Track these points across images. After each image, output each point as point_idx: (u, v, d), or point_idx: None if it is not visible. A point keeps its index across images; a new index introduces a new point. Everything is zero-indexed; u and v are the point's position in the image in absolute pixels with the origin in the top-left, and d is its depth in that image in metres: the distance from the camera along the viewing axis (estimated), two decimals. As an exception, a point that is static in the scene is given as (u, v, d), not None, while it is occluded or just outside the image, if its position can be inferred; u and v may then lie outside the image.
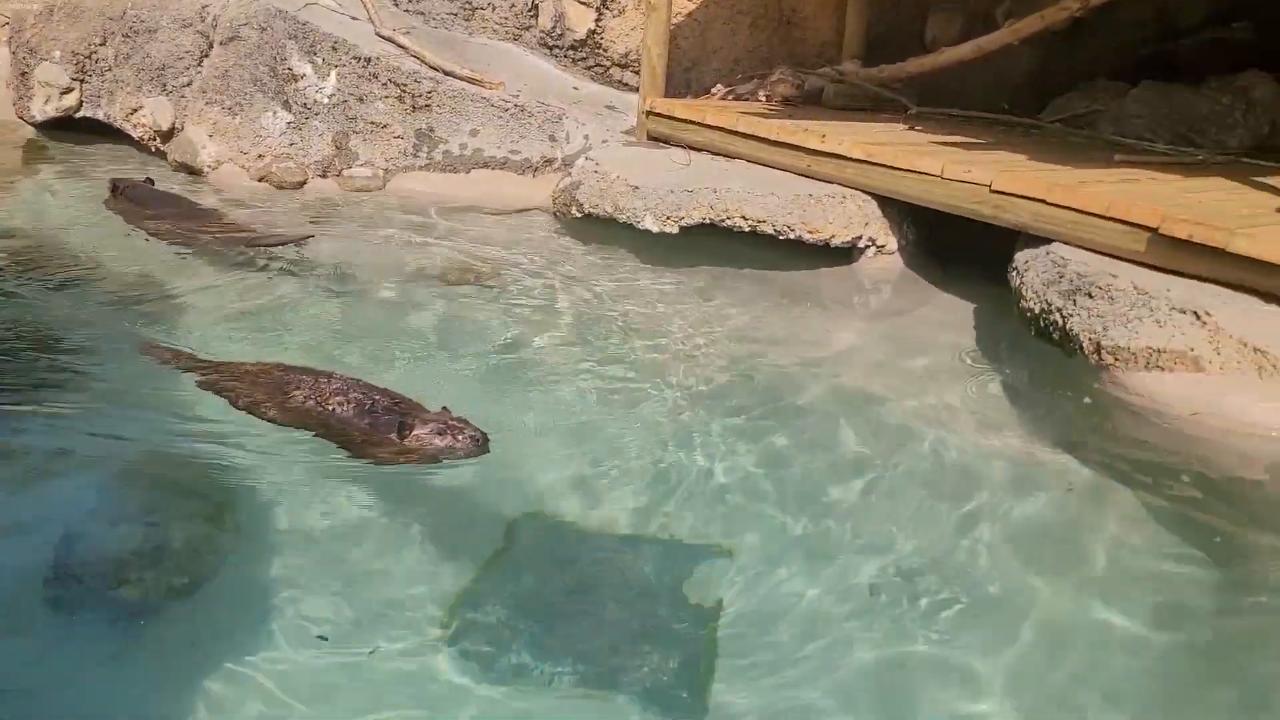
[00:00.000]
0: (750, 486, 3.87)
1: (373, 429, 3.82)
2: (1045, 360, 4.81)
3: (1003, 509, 3.84)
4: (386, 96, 7.38)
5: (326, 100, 7.30)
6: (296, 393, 4.01)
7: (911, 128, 6.77)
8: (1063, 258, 4.84)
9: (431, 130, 7.41)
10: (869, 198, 5.92)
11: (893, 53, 7.80)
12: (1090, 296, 4.54)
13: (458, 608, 3.12)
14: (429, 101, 7.43)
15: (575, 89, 8.41)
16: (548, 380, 4.71)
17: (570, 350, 5.09)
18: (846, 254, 6.06)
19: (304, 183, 7.18)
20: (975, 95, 7.82)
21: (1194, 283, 4.48)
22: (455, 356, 4.90)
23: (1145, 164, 5.84)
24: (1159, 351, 4.23)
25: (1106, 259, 4.76)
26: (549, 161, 7.45)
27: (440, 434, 3.73)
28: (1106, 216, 4.80)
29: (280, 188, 7.12)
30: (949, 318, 5.58)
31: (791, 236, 5.84)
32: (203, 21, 7.51)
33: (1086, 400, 4.45)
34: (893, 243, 5.98)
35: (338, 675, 2.81)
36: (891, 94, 7.55)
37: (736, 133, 6.59)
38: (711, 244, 6.16)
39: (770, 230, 5.84)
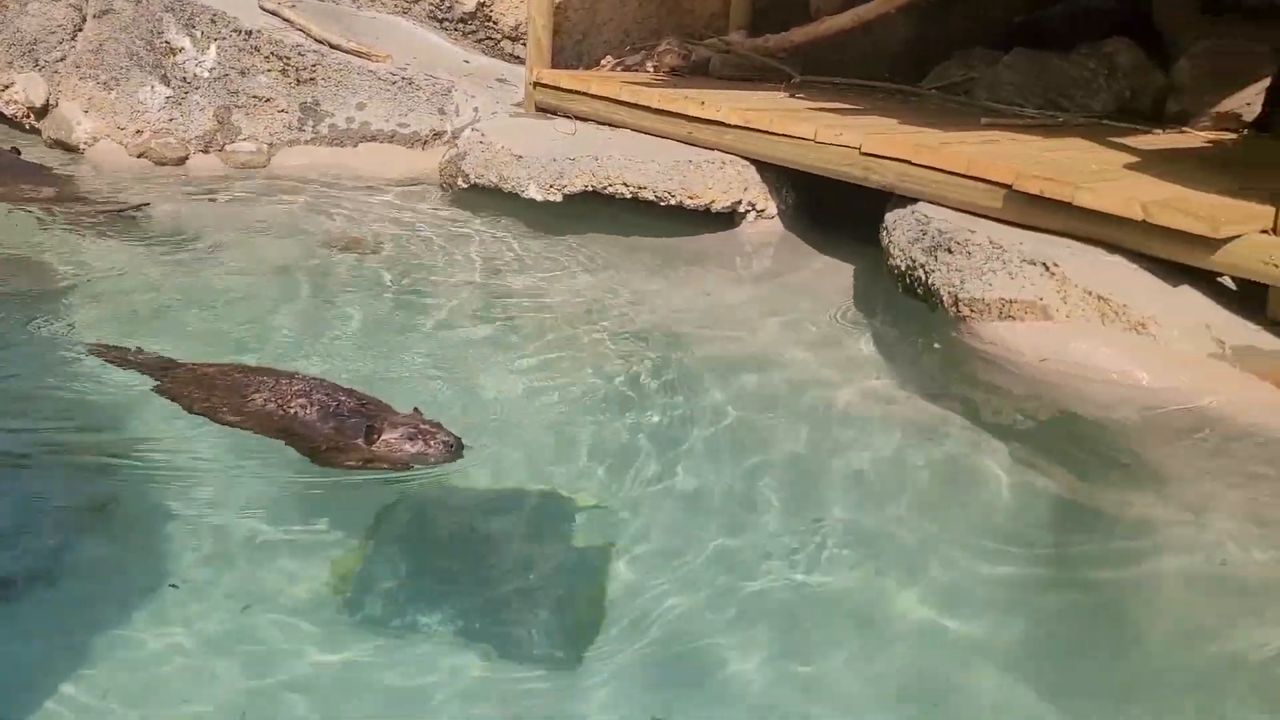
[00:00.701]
0: (634, 446, 3.95)
1: (338, 433, 3.56)
2: (913, 315, 4.99)
3: (871, 456, 4.00)
4: (269, 70, 7.27)
5: (207, 74, 7.18)
6: (256, 395, 3.75)
7: (793, 95, 6.91)
8: (926, 216, 5.01)
9: (317, 104, 7.33)
10: (748, 163, 6.04)
11: (778, 23, 7.93)
12: (950, 252, 4.72)
13: (346, 570, 3.15)
14: (314, 75, 7.34)
15: (466, 62, 8.37)
16: (436, 348, 4.75)
17: (456, 319, 5.12)
18: (729, 219, 6.17)
19: (185, 158, 7.06)
20: (857, 64, 7.99)
21: (1046, 236, 4.69)
22: (340, 327, 4.90)
23: (1010, 126, 6.06)
24: (1011, 302, 4.42)
25: (967, 216, 4.94)
26: (438, 134, 7.43)
27: (411, 439, 3.49)
28: (966, 175, 4.98)
29: (161, 164, 6.99)
30: (827, 278, 5.74)
31: (673, 202, 5.94)
32: (74, -6, 7.32)
33: (948, 351, 4.64)
34: (772, 207, 6.11)
35: (215, 639, 2.81)
36: (776, 63, 7.68)
37: (620, 102, 6.65)
38: (597, 211, 6.23)
39: (651, 196, 5.93)
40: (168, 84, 7.13)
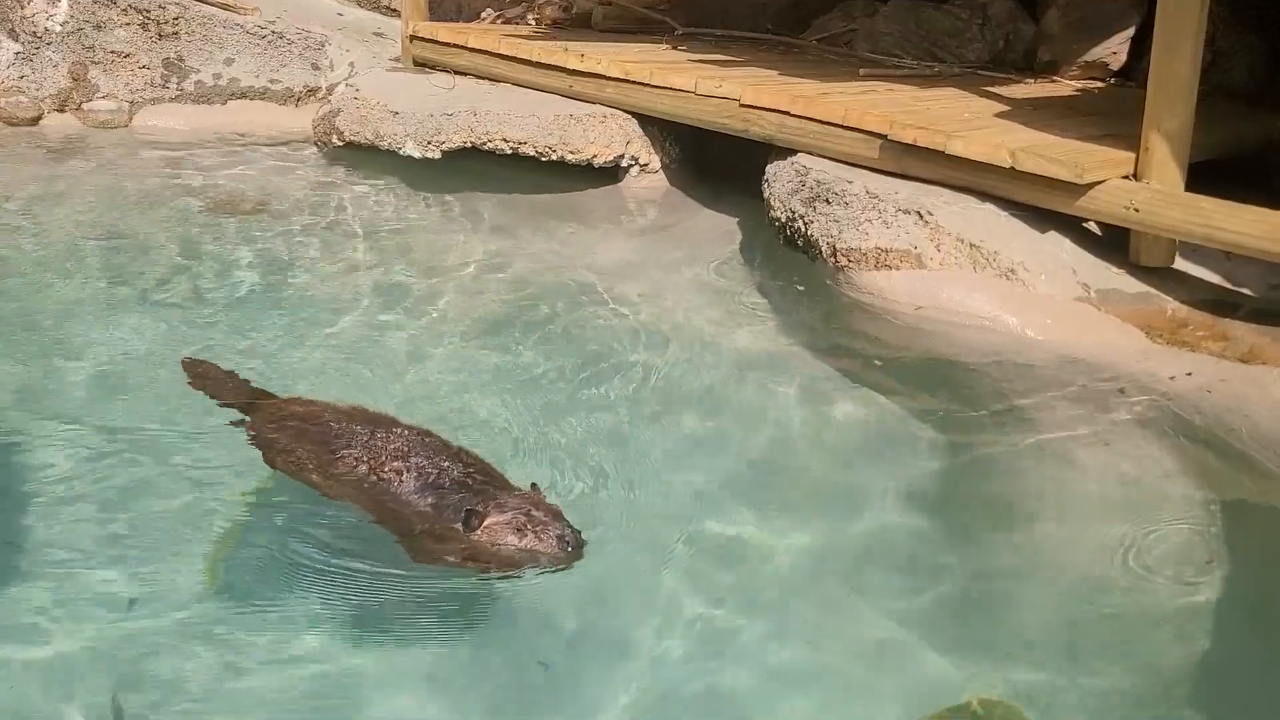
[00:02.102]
0: (522, 402, 3.91)
1: (435, 513, 2.91)
2: (794, 266, 5.01)
3: (750, 404, 4.05)
4: (128, 24, 6.90)
5: (59, 28, 6.78)
6: (347, 452, 3.08)
7: (674, 47, 6.84)
8: (805, 167, 5.02)
9: (181, 59, 7.00)
10: (629, 116, 5.97)
11: (661, -26, 7.83)
12: (828, 203, 4.74)
13: (220, 552, 3.04)
14: (176, 29, 7.00)
15: (340, 15, 8.11)
16: (318, 314, 4.60)
17: (337, 282, 4.97)
18: (612, 174, 6.10)
19: (39, 118, 6.68)
20: (740, 16, 7.93)
21: (921, 185, 4.74)
22: (216, 293, 4.72)
23: (887, 77, 6.10)
24: (886, 251, 4.47)
25: (844, 166, 4.96)
26: (312, 90, 7.18)
27: (518, 530, 2.81)
28: (843, 126, 5.00)
29: (12, 124, 6.60)
30: (711, 231, 5.73)
31: (554, 158, 5.84)
32: (-92, -58, 6.82)
33: (828, 301, 4.68)
34: (656, 160, 6.07)
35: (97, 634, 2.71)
36: (658, 15, 7.60)
37: (499, 55, 6.50)
38: (479, 168, 6.10)
39: (532, 152, 5.82)
40: (16, 39, 6.72)
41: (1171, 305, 4.31)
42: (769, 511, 3.33)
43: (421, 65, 7.05)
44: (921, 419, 3.94)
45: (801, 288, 4.89)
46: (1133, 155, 4.34)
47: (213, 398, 3.58)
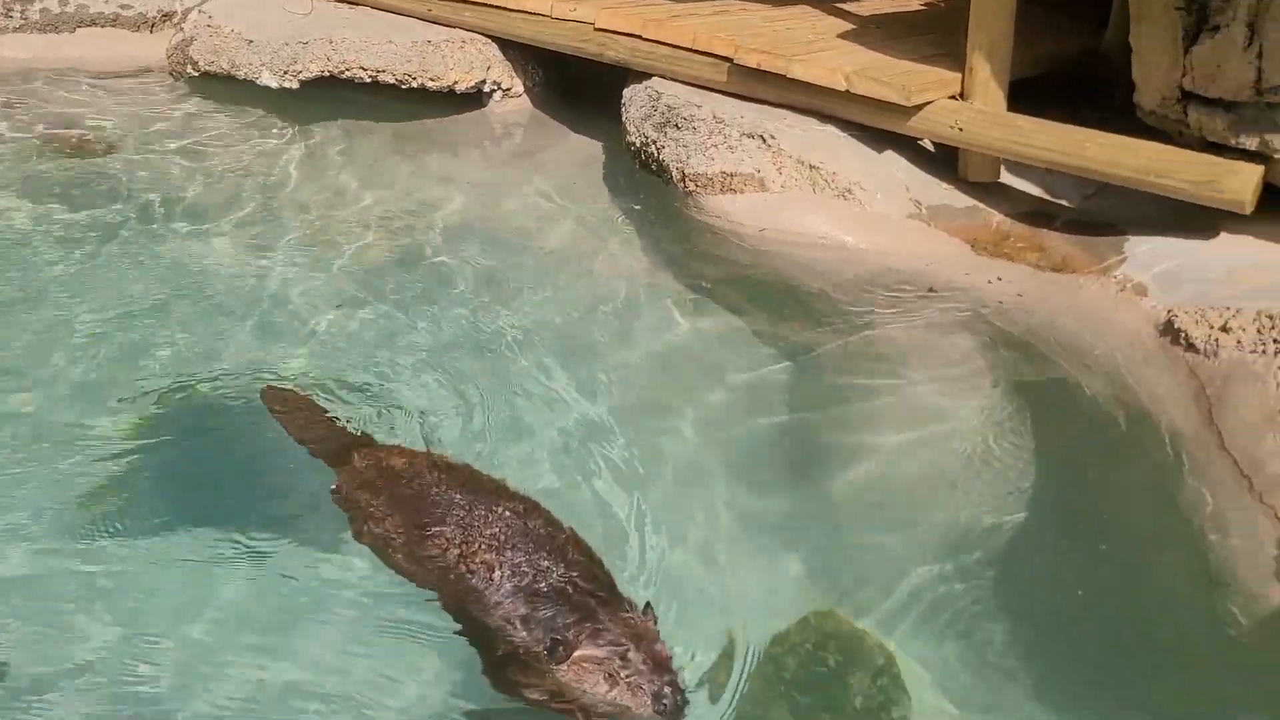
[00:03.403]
0: (388, 329, 4.12)
1: (525, 628, 2.45)
2: (650, 190, 5.16)
3: (606, 322, 4.28)
4: (-38, -51, 6.59)
5: (-114, -44, 6.45)
6: (439, 530, 2.66)
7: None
8: (657, 92, 5.12)
9: (23, -14, 6.72)
10: (490, 41, 5.97)
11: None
12: (678, 128, 4.87)
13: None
14: (16, -46, 6.70)
15: (194, -67, 7.80)
16: (178, 256, 4.62)
17: (198, 223, 4.96)
18: (477, 99, 6.12)
19: None
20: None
21: (767, 109, 4.89)
22: (67, 245, 4.66)
23: (745, -6, 6.17)
24: (731, 175, 4.64)
25: (695, 90, 5.08)
26: (167, 15, 6.94)
27: (611, 678, 2.33)
28: (693, 50, 5.10)
29: None
30: (574, 155, 5.82)
31: (415, 85, 5.83)
32: None
33: (679, 225, 4.85)
34: (519, 84, 6.09)
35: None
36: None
37: (358, -22, 6.40)
38: (344, 95, 6.06)
39: (392, 80, 5.80)
40: None
41: (996, 219, 4.57)
42: (625, 414, 3.62)
43: (279, -13, 6.88)
44: (762, 333, 4.21)
45: (656, 211, 5.05)
46: (959, 76, 4.54)
47: (300, 442, 3.19)
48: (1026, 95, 4.68)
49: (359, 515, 2.82)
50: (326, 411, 3.35)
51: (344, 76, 5.83)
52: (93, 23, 6.85)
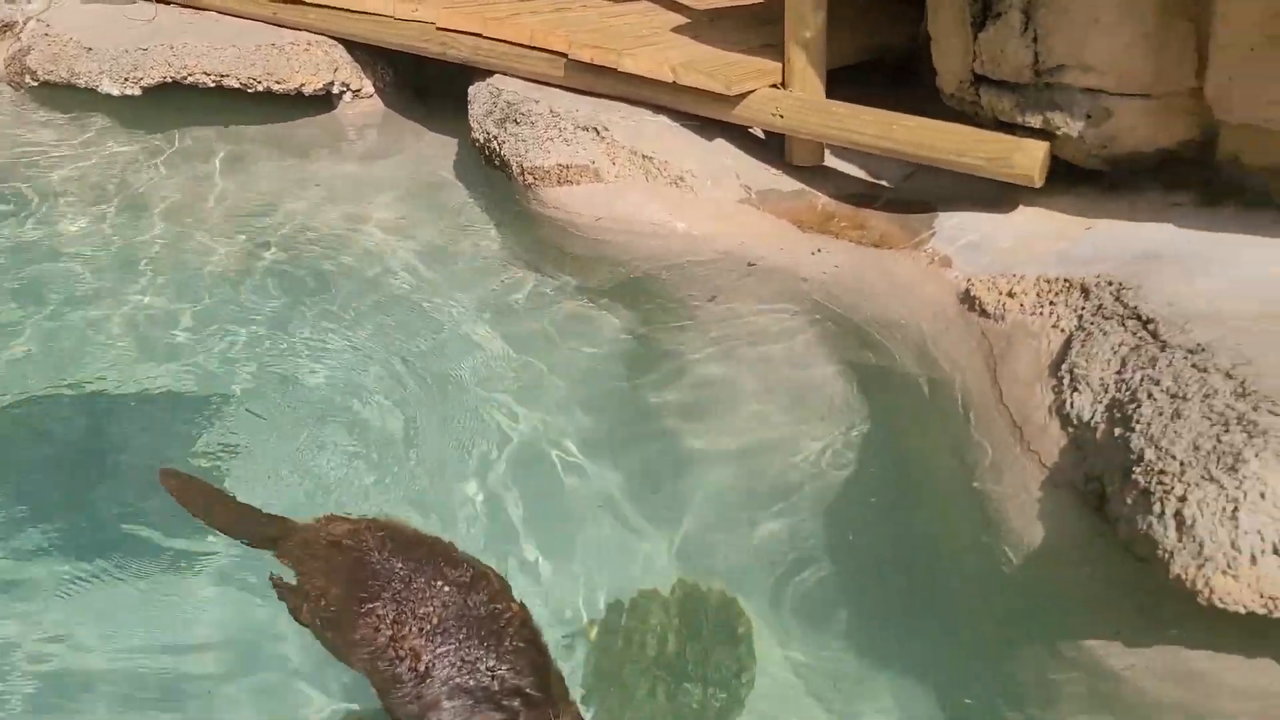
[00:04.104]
0: (253, 341, 4.24)
1: None
2: (494, 185, 5.27)
3: (454, 319, 4.43)
4: None
5: None
6: (373, 607, 2.43)
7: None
8: (498, 89, 5.24)
9: None
10: (336, 42, 6.01)
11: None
12: (516, 123, 4.99)
13: None
14: None
15: (36, -59, 7.65)
16: (28, 271, 4.59)
17: (46, 234, 4.93)
18: (327, 101, 6.15)
19: None
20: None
21: (603, 102, 5.04)
22: None
23: (587, -9, 6.31)
24: (567, 167, 4.77)
25: (532, 86, 5.21)
26: (8, 26, 6.81)
27: None
28: (530, 46, 5.22)
29: None
30: (423, 154, 5.91)
31: (260, 89, 5.85)
32: None
33: (521, 218, 4.98)
34: (368, 85, 6.14)
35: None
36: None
37: (200, -17, 6.37)
38: (191, 101, 6.03)
39: (236, 84, 5.81)
40: None
41: (821, 200, 4.79)
42: (470, 402, 3.81)
43: (124, -5, 6.81)
44: (596, 317, 4.38)
45: (499, 205, 5.18)
46: (780, 65, 4.75)
47: (223, 531, 3.06)
48: (854, 80, 4.91)
49: (297, 588, 2.64)
50: (232, 496, 3.19)
51: (188, 82, 5.81)
52: (-73, 35, 6.70)
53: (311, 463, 3.54)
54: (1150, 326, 3.00)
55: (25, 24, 6.57)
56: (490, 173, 5.32)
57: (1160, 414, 2.60)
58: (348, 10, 5.84)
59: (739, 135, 5.02)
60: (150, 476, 3.25)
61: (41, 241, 4.89)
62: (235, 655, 2.87)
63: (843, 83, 4.88)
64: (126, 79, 5.77)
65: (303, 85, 5.90)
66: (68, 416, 3.82)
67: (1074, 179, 4.19)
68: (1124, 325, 3.08)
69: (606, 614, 3.03)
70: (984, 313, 3.74)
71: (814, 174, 4.90)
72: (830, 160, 4.98)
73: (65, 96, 6.12)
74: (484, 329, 4.38)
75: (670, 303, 4.41)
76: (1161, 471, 2.46)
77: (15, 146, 5.78)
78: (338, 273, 4.72)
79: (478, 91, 5.36)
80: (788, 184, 4.87)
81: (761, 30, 5.33)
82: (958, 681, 2.80)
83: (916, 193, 4.75)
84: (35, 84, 6.09)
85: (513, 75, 5.36)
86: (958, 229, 4.35)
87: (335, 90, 6.05)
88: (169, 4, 6.58)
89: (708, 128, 4.97)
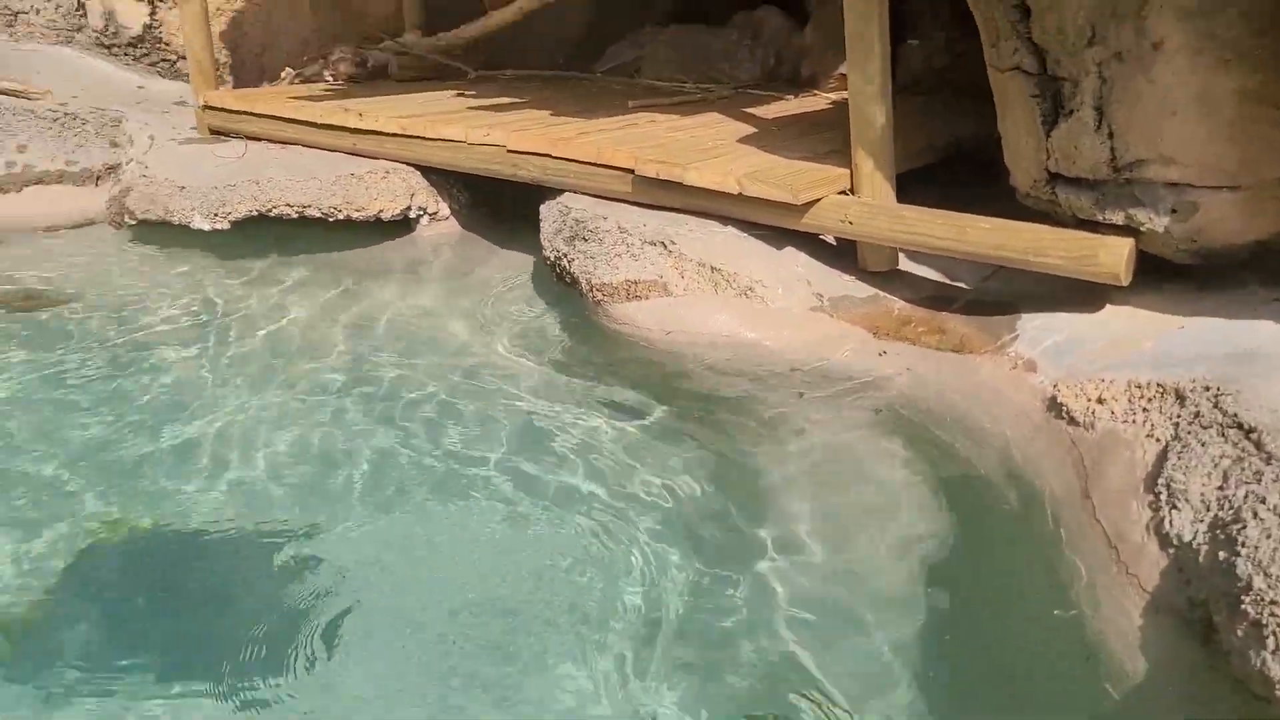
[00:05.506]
0: (344, 456, 4.17)
1: None
2: (566, 302, 5.28)
3: (532, 435, 4.32)
4: (-90, 121, 6.87)
5: None
6: None
7: (461, 94, 7.06)
8: (567, 206, 5.29)
9: (-29, 151, 6.98)
10: (412, 169, 6.18)
11: (456, 21, 8.05)
12: (585, 240, 5.01)
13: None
14: (-38, 121, 6.98)
15: (140, 88, 8.15)
16: (128, 396, 4.70)
17: (145, 364, 5.07)
18: (405, 224, 6.30)
19: None
20: (540, 53, 8.22)
21: (668, 215, 5.04)
22: (41, 390, 4.75)
23: (656, 107, 6.40)
24: (635, 283, 4.75)
25: (601, 202, 5.24)
26: (113, 168, 7.18)
27: None
28: (597, 164, 5.28)
29: None
30: (499, 273, 5.97)
31: (341, 217, 6.02)
32: None
33: (592, 334, 4.96)
34: (444, 208, 6.28)
35: None
36: (451, 61, 7.81)
37: (285, 119, 6.65)
38: (276, 231, 6.24)
39: (318, 214, 5.99)
40: None
41: (897, 305, 4.66)
42: (538, 526, 3.68)
43: (218, 133, 7.15)
44: (670, 430, 4.26)
45: (571, 322, 5.17)
46: (848, 171, 4.69)
47: None
48: (927, 178, 4.82)
49: None
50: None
51: (272, 214, 6.02)
52: (39, 180, 7.08)
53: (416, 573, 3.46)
54: (1253, 436, 2.78)
55: (126, 165, 6.93)
56: (562, 289, 5.34)
57: (1268, 536, 2.38)
58: (424, 138, 6.01)
59: (809, 242, 4.95)
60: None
61: (135, 370, 5.03)
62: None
63: (915, 181, 4.79)
64: (216, 214, 6.00)
65: (381, 211, 6.06)
66: (159, 552, 3.81)
67: (1163, 275, 4.00)
68: (1224, 435, 2.86)
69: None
70: (1072, 420, 3.54)
71: (888, 278, 4.79)
72: (905, 263, 4.87)
73: (160, 232, 6.38)
74: (559, 446, 4.30)
75: (744, 415, 4.30)
76: (1273, 602, 2.22)
77: (115, 281, 6.01)
78: (418, 394, 4.70)
79: (548, 210, 5.42)
80: (861, 289, 4.76)
81: (827, 136, 5.31)
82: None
83: (997, 294, 4.60)
84: (133, 222, 6.38)
85: (582, 193, 5.41)
86: (1042, 331, 4.17)
87: (412, 214, 6.20)
88: (257, 140, 6.87)
89: (777, 236, 4.92)
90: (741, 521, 3.71)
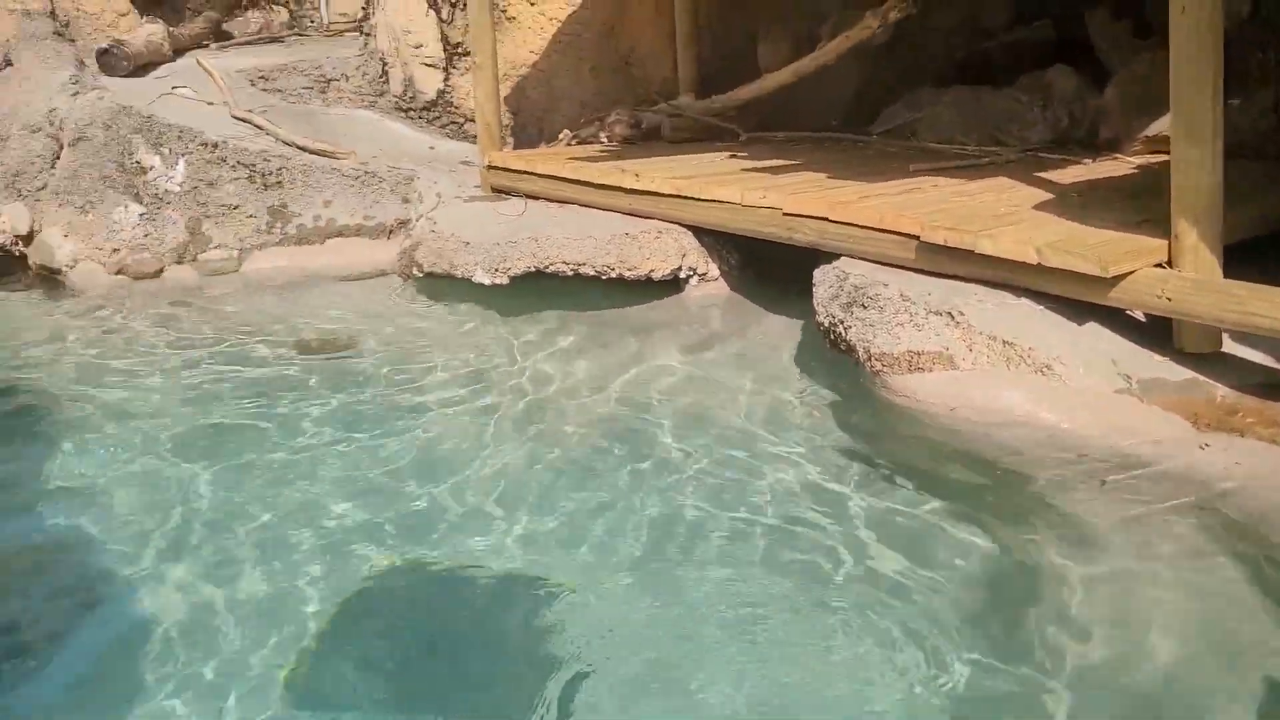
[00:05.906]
0: (618, 516, 4.11)
1: None
2: (839, 370, 5.07)
3: (794, 510, 4.12)
4: (236, 178, 7.59)
5: (177, 188, 7.51)
6: None
7: (734, 156, 7.05)
8: (844, 272, 5.10)
9: (284, 205, 7.63)
10: (685, 229, 6.19)
11: (729, 83, 8.10)
12: (864, 307, 4.80)
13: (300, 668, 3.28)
14: (280, 178, 7.65)
15: (431, 148, 8.65)
16: (412, 441, 4.92)
17: (426, 409, 5.30)
18: (674, 284, 6.31)
19: (161, 271, 7.37)
20: (811, 115, 8.13)
21: (954, 284, 4.75)
22: (333, 430, 5.01)
23: (938, 170, 6.12)
24: (918, 354, 4.49)
25: (880, 268, 5.02)
26: (403, 223, 7.67)
27: None
28: (879, 229, 5.07)
29: (138, 279, 7.30)
30: (768, 337, 5.85)
31: (613, 275, 6.09)
32: (51, 125, 7.71)
33: (868, 405, 4.72)
34: (714, 269, 6.24)
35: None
36: (723, 123, 7.84)
37: (564, 179, 6.85)
38: (550, 287, 6.40)
39: (591, 271, 6.09)
40: (140, 201, 7.46)
41: (1220, 391, 4.16)
42: (809, 611, 3.44)
43: (499, 191, 7.47)
44: (957, 515, 3.93)
45: (845, 392, 4.94)
46: (1164, 243, 4.26)
47: None
48: (1257, 253, 4.32)
49: None
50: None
51: (548, 271, 6.17)
52: (339, 233, 7.67)
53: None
54: None
55: (416, 221, 7.35)
56: (835, 357, 5.14)
57: None
58: (699, 199, 6.01)
59: (1114, 318, 4.52)
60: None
61: (416, 416, 5.24)
62: None
63: (1240, 257, 4.29)
64: (497, 269, 6.22)
65: (652, 271, 6.09)
66: (433, 593, 3.88)
67: None
68: None
69: None
70: None
71: (1209, 361, 4.29)
72: (1229, 345, 4.35)
73: (443, 286, 6.69)
74: (827, 523, 4.07)
75: (1040, 506, 3.91)
76: None
77: (402, 329, 6.34)
78: (693, 463, 4.60)
79: (824, 274, 5.25)
80: (1177, 373, 4.28)
81: (1138, 204, 4.88)
82: None
83: (1345, 384, 4.02)
84: (420, 275, 6.72)
85: (859, 258, 5.21)
86: None
87: (682, 274, 6.20)
88: (536, 199, 7.11)
89: (1077, 310, 4.52)
90: (1043, 632, 3.35)
